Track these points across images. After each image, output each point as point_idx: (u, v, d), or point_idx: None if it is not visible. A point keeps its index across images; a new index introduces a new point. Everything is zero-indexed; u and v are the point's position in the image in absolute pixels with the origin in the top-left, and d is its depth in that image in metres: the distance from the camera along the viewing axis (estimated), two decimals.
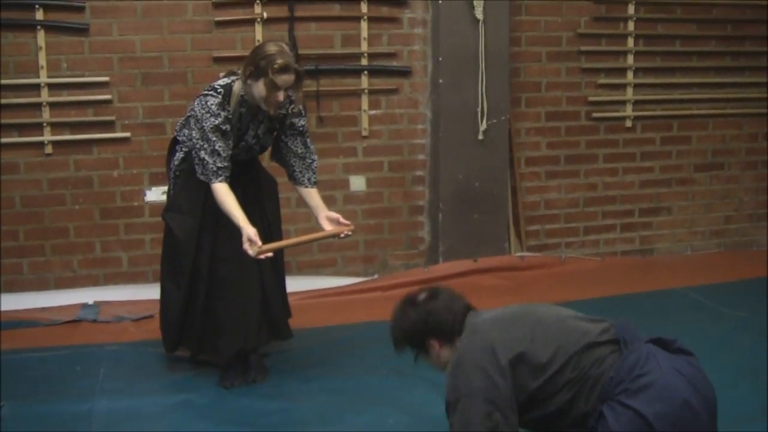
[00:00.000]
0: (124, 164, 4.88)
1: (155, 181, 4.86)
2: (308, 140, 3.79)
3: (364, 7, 5.06)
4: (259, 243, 3.36)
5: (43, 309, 4.60)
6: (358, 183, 5.25)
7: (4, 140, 4.67)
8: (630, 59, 5.58)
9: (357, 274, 5.28)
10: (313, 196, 3.77)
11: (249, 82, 3.51)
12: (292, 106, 3.69)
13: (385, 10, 5.13)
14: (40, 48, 4.63)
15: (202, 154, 3.48)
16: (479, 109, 5.13)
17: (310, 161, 3.78)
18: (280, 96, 3.48)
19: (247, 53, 3.71)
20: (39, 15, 4.62)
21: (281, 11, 4.93)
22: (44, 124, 4.72)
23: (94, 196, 4.86)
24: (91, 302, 4.71)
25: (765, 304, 4.66)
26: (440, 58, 5.09)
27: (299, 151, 3.75)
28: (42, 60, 4.65)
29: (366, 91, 5.15)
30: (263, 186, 3.86)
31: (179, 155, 3.73)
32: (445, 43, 5.07)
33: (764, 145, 5.97)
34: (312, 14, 5.00)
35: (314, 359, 4.04)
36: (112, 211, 4.90)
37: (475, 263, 5.22)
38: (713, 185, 5.93)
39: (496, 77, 5.15)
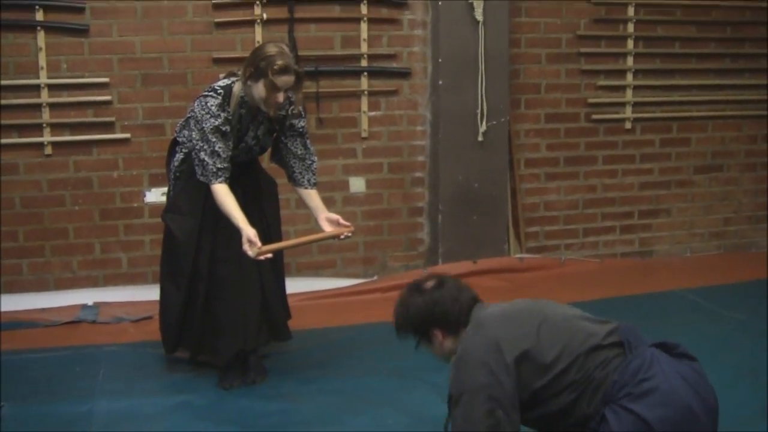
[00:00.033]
0: (124, 165, 4.88)
1: (155, 182, 4.86)
2: (308, 141, 3.79)
3: (364, 9, 5.06)
4: (259, 244, 3.36)
5: (43, 310, 4.60)
6: (357, 184, 5.25)
7: (4, 141, 4.67)
8: (629, 61, 5.59)
9: (356, 276, 5.28)
10: (312, 197, 3.77)
11: (249, 83, 3.51)
12: (291, 107, 3.69)
13: (385, 12, 5.13)
14: (40, 49, 4.63)
15: (202, 155, 3.48)
16: (479, 111, 5.13)
17: (309, 162, 3.78)
18: (280, 97, 3.48)
19: (246, 54, 3.71)
20: (39, 16, 4.62)
21: (281, 12, 4.93)
22: (44, 125, 4.72)
23: (93, 197, 4.86)
24: (90, 303, 4.70)
25: (764, 306, 4.66)
26: (440, 60, 5.09)
27: (299, 152, 3.75)
28: (42, 61, 4.65)
29: (366, 92, 5.15)
30: (263, 187, 3.86)
31: (179, 156, 3.73)
32: (445, 45, 5.07)
33: (764, 147, 5.97)
34: (312, 15, 5.01)
35: (313, 360, 4.04)
36: (112, 212, 4.90)
37: (475, 265, 5.22)
38: (712, 187, 5.93)
39: (496, 79, 5.15)
